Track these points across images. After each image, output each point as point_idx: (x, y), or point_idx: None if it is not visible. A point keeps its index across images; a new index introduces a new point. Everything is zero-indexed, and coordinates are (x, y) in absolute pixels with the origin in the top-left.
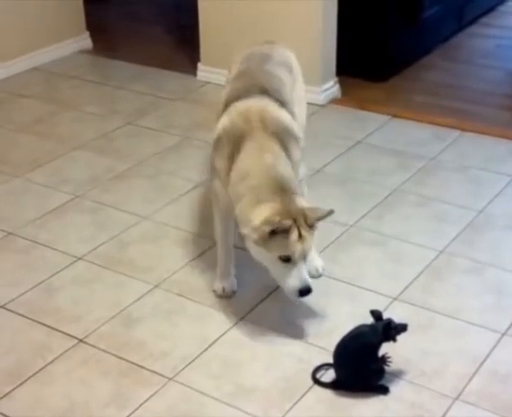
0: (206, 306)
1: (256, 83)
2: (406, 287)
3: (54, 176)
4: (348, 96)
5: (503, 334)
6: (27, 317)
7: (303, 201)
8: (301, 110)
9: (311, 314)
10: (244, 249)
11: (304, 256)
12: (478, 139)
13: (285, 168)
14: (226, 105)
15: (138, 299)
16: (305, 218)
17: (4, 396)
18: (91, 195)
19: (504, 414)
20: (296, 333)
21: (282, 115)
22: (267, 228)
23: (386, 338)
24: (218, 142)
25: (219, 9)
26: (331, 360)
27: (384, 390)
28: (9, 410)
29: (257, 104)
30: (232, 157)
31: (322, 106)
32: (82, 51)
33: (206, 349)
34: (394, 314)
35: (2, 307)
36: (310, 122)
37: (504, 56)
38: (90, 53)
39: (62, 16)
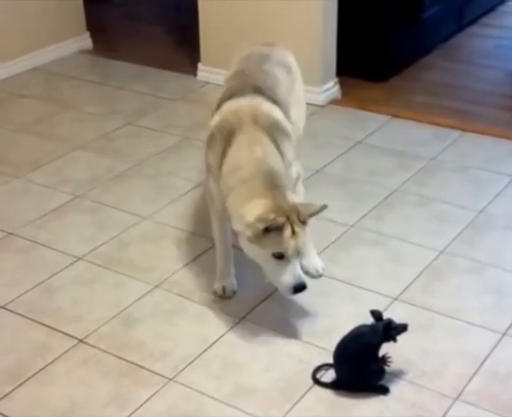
0: (206, 306)
1: (250, 82)
2: (406, 288)
3: (54, 177)
4: (348, 97)
5: (503, 335)
6: (27, 317)
7: (294, 197)
8: (300, 111)
9: (312, 314)
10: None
11: (297, 253)
12: (478, 139)
13: (275, 162)
14: (220, 104)
15: (138, 299)
16: (298, 214)
17: (4, 396)
18: (91, 196)
19: (504, 414)
20: (296, 333)
21: (274, 112)
22: (261, 226)
23: (386, 338)
24: (210, 139)
25: (219, 10)
26: (331, 361)
27: (384, 390)
28: (9, 410)
29: (249, 103)
30: (223, 152)
31: (322, 106)
32: (83, 51)
33: (206, 349)
34: (394, 314)
35: (2, 307)
36: (310, 123)
37: (504, 56)
38: (90, 53)
39: (63, 16)
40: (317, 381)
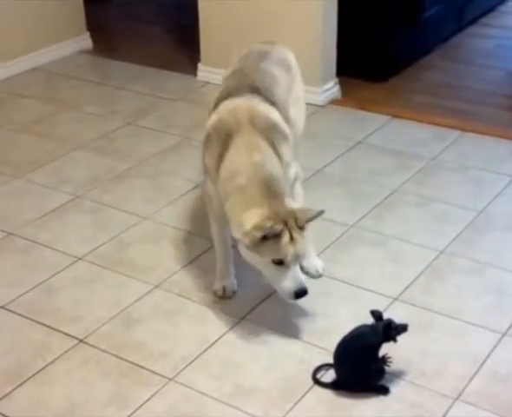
0: (206, 306)
1: (248, 82)
2: (406, 288)
3: (54, 177)
4: (348, 97)
5: (504, 335)
6: (27, 317)
7: (292, 203)
8: (299, 110)
9: (312, 314)
10: None
11: (297, 258)
12: (478, 139)
13: (273, 167)
14: (217, 104)
15: (138, 299)
16: (296, 220)
17: (4, 396)
18: (91, 196)
19: (504, 415)
20: (296, 333)
21: (271, 113)
22: (258, 234)
23: (386, 338)
24: (207, 140)
25: (219, 10)
26: (331, 361)
27: (384, 390)
28: (9, 410)
29: (246, 103)
30: (221, 154)
31: (322, 106)
32: (83, 51)
33: (206, 349)
34: (394, 314)
35: (2, 307)
36: (310, 123)
37: (504, 56)
38: (90, 53)
39: (63, 16)
40: (317, 381)
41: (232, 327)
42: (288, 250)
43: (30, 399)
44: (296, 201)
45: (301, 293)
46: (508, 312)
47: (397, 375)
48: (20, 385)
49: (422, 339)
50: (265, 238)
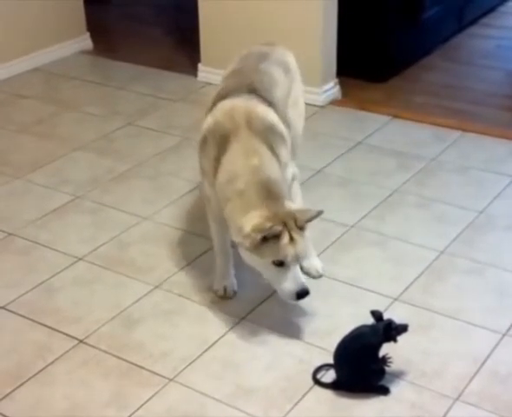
0: (206, 306)
1: (246, 82)
2: (407, 288)
3: (54, 177)
4: (348, 97)
5: (504, 335)
6: (27, 318)
7: (291, 204)
8: (298, 112)
9: (312, 314)
10: None
11: (297, 259)
12: (478, 140)
13: (271, 170)
14: (215, 103)
15: (138, 299)
16: (295, 221)
17: (5, 397)
18: (91, 196)
19: (505, 415)
20: (296, 333)
21: (269, 114)
22: (258, 236)
23: (387, 338)
24: (203, 143)
25: (219, 10)
26: (331, 361)
27: (384, 391)
28: (10, 411)
29: (244, 104)
30: (218, 158)
31: (322, 107)
32: (83, 52)
33: (206, 350)
34: (394, 314)
35: (2, 307)
36: (310, 123)
37: (504, 56)
38: (91, 54)
39: (63, 16)
40: (317, 382)
41: (232, 328)
42: (288, 251)
43: (31, 399)
44: (294, 202)
45: (303, 293)
46: (509, 312)
47: (398, 375)
48: (20, 385)
49: (422, 339)
50: (264, 239)
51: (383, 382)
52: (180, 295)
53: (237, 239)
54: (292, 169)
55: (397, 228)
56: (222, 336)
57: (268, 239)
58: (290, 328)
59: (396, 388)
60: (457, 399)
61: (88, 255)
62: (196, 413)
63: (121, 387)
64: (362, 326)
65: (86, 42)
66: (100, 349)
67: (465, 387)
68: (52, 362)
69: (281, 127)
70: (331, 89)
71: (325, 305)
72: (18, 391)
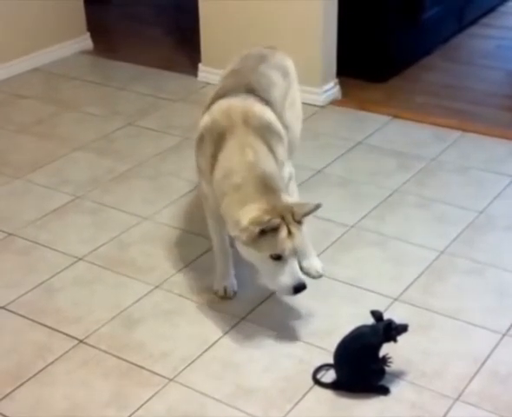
0: (206, 307)
1: (244, 82)
2: (407, 288)
3: (54, 177)
4: (348, 97)
5: (504, 335)
6: (27, 318)
7: (288, 198)
8: (295, 115)
9: (312, 314)
10: None
11: (295, 253)
12: (479, 140)
13: (267, 164)
14: (212, 102)
15: (138, 299)
16: (293, 214)
17: (5, 397)
18: (91, 196)
19: (505, 415)
20: (296, 333)
21: (266, 113)
22: (256, 229)
23: (387, 338)
24: (200, 141)
25: (219, 10)
26: (331, 361)
27: (384, 391)
28: (10, 411)
29: (241, 103)
30: (214, 155)
31: (322, 107)
32: (83, 52)
33: (206, 350)
34: (395, 314)
35: (2, 308)
36: (310, 123)
37: (504, 56)
38: (91, 54)
39: (63, 16)
40: (317, 382)
41: (232, 328)
42: (286, 245)
43: (31, 399)
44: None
45: (300, 288)
46: (509, 312)
47: (398, 376)
48: (20, 385)
49: (422, 339)
50: (262, 233)
51: (383, 382)
52: (180, 295)
53: (234, 233)
54: (288, 169)
55: (397, 228)
56: (222, 336)
57: (266, 232)
58: (290, 328)
59: (396, 388)
60: (457, 399)
61: (88, 255)
62: (196, 413)
63: (121, 387)
64: (362, 326)
65: (86, 42)
66: (100, 349)
67: (465, 387)
68: (52, 362)
69: (278, 125)
70: (332, 89)
71: (325, 305)
72: (18, 391)
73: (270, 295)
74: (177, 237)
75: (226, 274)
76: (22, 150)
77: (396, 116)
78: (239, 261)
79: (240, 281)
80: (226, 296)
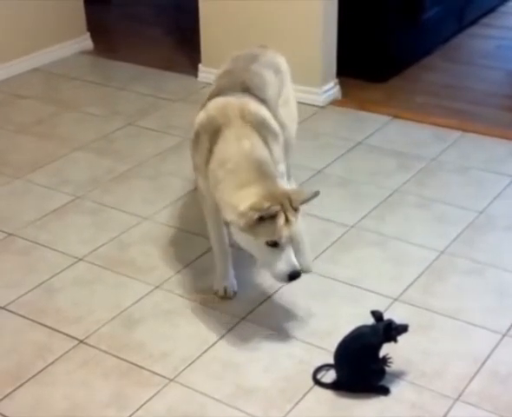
0: (206, 307)
1: (238, 81)
2: (407, 288)
3: (54, 177)
4: (348, 97)
5: (504, 335)
6: (27, 318)
7: (284, 184)
8: (290, 113)
9: (312, 314)
10: (243, 250)
11: (291, 240)
12: (479, 140)
13: (262, 153)
14: (207, 102)
15: (138, 300)
16: (291, 201)
17: (5, 397)
18: (92, 196)
19: (505, 415)
20: (296, 333)
21: (261, 110)
22: (255, 215)
23: (387, 339)
24: (196, 137)
25: (219, 11)
26: (331, 361)
27: (384, 391)
28: (10, 411)
29: (236, 100)
30: (210, 149)
31: (322, 107)
32: (83, 52)
33: (206, 350)
34: (395, 314)
35: (2, 308)
36: (310, 123)
37: (504, 56)
38: (91, 54)
39: (63, 16)
40: (317, 382)
41: (232, 328)
42: (283, 232)
43: (31, 399)
44: None
45: (295, 275)
46: (509, 312)
47: (398, 376)
48: (20, 385)
49: (422, 339)
50: (260, 219)
51: (383, 382)
52: (180, 295)
53: (230, 217)
54: (283, 168)
55: (397, 228)
56: (222, 336)
57: (264, 219)
58: (290, 329)
59: (396, 388)
60: (457, 399)
61: (88, 256)
62: (196, 414)
63: (121, 388)
64: (362, 326)
65: (86, 42)
66: (100, 349)
67: (465, 388)
68: (52, 362)
69: (274, 123)
70: (332, 89)
71: (325, 305)
72: (18, 391)
73: (270, 295)
74: (177, 237)
75: (225, 274)
76: (22, 150)
77: (396, 116)
78: (239, 261)
79: (240, 281)
80: (226, 296)
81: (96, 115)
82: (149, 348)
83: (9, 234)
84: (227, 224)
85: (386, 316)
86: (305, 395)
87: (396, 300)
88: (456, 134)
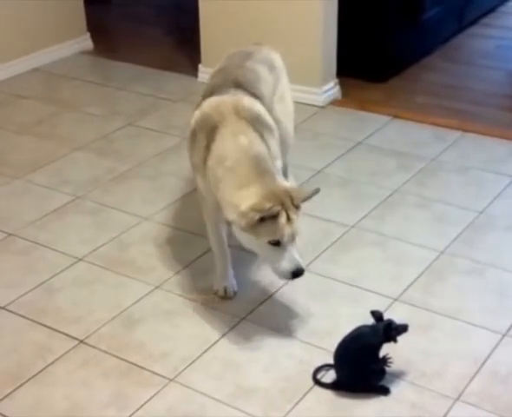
0: (206, 307)
1: (231, 78)
2: (407, 288)
3: (54, 177)
4: (348, 97)
5: (504, 335)
6: (27, 318)
7: (284, 181)
8: (285, 110)
9: (312, 314)
10: (243, 250)
11: (293, 238)
12: (479, 140)
13: (260, 148)
14: (202, 101)
15: (138, 300)
16: (292, 199)
17: (5, 397)
18: (92, 196)
19: (505, 415)
20: (296, 333)
21: (256, 105)
22: (256, 216)
23: (387, 339)
24: (193, 136)
25: (219, 11)
26: (331, 361)
27: (384, 391)
28: (10, 411)
29: (230, 98)
30: (207, 146)
31: (322, 107)
32: (83, 52)
33: (206, 350)
34: (395, 314)
35: (2, 308)
36: (310, 123)
37: (504, 56)
38: (91, 54)
39: (63, 16)
40: (317, 382)
41: (232, 328)
42: (285, 231)
43: (31, 399)
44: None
45: (298, 272)
46: (509, 312)
47: (398, 376)
48: (20, 386)
49: (422, 339)
50: (262, 219)
51: (383, 382)
52: (180, 296)
53: (232, 217)
54: (280, 164)
55: (397, 228)
56: (222, 336)
57: (265, 219)
58: (290, 329)
59: (396, 388)
60: (457, 399)
61: (88, 256)
62: (196, 414)
63: (121, 388)
64: (362, 326)
65: (86, 42)
66: (100, 349)
67: (465, 388)
68: (52, 362)
69: (268, 118)
70: (332, 89)
71: (325, 305)
72: (18, 391)
73: (270, 295)
74: (177, 237)
75: (225, 274)
76: (23, 150)
77: (396, 116)
78: (239, 261)
79: (240, 281)
80: (226, 296)
81: (96, 115)
82: (149, 348)
83: (9, 235)
84: (228, 223)
85: (386, 316)
86: (305, 395)
87: (396, 300)
88: (456, 134)
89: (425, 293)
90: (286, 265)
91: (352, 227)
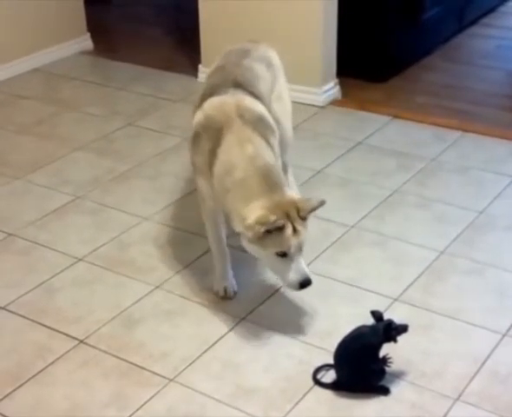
0: (206, 307)
1: (230, 78)
2: (407, 288)
3: (54, 177)
4: (348, 97)
5: (504, 335)
6: (27, 318)
7: (292, 193)
8: (283, 108)
9: (312, 314)
10: (243, 250)
11: (300, 249)
12: (479, 140)
13: (267, 157)
14: (202, 101)
15: (138, 300)
16: (298, 211)
17: (5, 397)
18: (92, 196)
19: (505, 415)
20: (296, 333)
21: (257, 106)
22: (262, 229)
23: (387, 339)
24: (196, 138)
25: (219, 11)
26: (331, 361)
27: (384, 391)
28: (10, 411)
29: (232, 99)
30: (212, 151)
31: (322, 107)
32: (83, 52)
33: (206, 350)
34: (395, 314)
35: (2, 308)
36: (310, 123)
37: (504, 56)
38: (91, 54)
39: (63, 17)
40: (317, 382)
41: (232, 328)
42: (292, 242)
43: (31, 399)
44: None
45: (306, 283)
46: (509, 312)
47: (398, 376)
48: (20, 386)
49: (422, 339)
50: (268, 231)
51: (383, 382)
52: (180, 296)
53: (239, 229)
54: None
55: (397, 228)
56: (222, 336)
57: (271, 231)
58: (290, 329)
59: (396, 388)
60: (457, 399)
61: (88, 256)
62: (196, 414)
63: (121, 388)
64: (362, 326)
65: (86, 42)
66: (100, 349)
67: (465, 388)
68: (52, 362)
69: (270, 118)
70: (332, 89)
71: (325, 305)
72: (18, 391)
73: (270, 296)
74: (177, 237)
75: (225, 274)
76: (23, 150)
77: (396, 116)
78: (239, 261)
79: (240, 281)
80: (226, 296)
81: (96, 115)
82: (149, 348)
83: (9, 234)
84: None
85: (386, 316)
86: (305, 395)
87: (396, 300)
88: (456, 134)
89: (425, 293)
90: (294, 276)
91: (352, 227)
